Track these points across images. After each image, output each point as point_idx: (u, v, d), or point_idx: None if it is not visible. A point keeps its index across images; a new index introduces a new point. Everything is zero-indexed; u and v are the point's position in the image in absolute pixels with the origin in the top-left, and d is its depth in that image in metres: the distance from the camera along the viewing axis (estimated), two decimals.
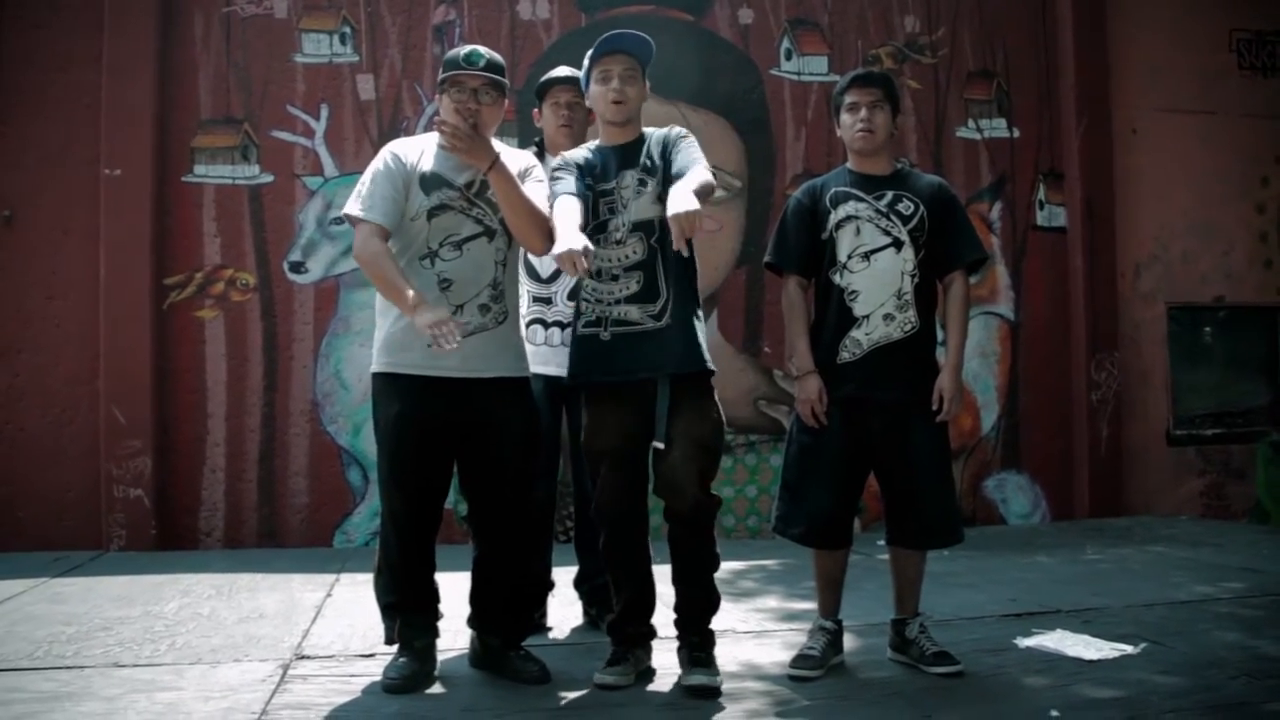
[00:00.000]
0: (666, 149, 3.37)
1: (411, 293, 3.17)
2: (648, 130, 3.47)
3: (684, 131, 3.45)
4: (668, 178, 3.29)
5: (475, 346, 3.30)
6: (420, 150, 3.41)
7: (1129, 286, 7.58)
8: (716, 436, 3.38)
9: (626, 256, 3.31)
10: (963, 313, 3.57)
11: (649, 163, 3.36)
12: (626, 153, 3.40)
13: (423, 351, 3.26)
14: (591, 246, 3.07)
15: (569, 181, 3.32)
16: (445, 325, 3.07)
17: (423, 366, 3.28)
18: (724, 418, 3.42)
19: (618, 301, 3.30)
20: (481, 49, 3.41)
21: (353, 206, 3.34)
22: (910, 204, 3.50)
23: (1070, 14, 7.46)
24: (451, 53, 3.43)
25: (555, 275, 3.93)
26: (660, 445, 3.25)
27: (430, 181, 3.34)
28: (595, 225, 3.33)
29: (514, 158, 3.50)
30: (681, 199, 3.03)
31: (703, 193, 3.15)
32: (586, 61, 3.42)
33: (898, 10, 7.28)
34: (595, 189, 3.37)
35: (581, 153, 3.47)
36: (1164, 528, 6.78)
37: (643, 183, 3.33)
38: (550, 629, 4.10)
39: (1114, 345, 7.43)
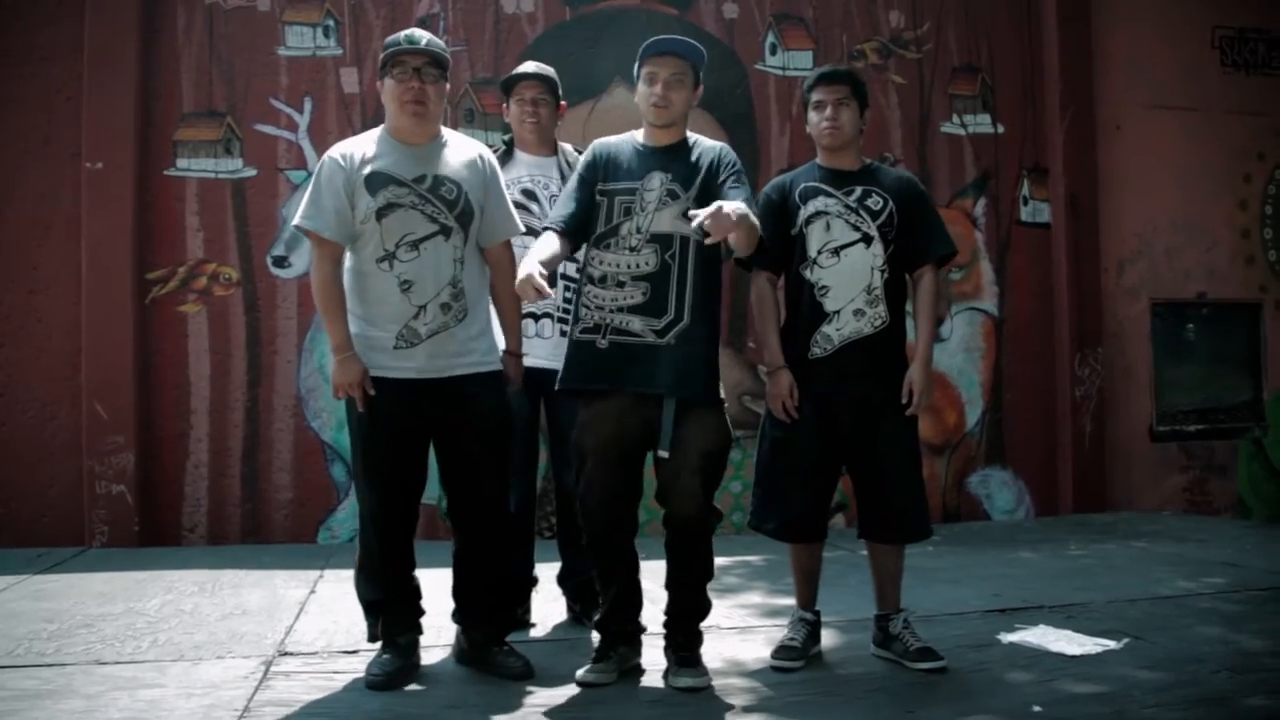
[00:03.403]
0: (715, 170, 3.31)
1: (339, 341, 3.28)
2: (694, 136, 3.42)
3: (736, 160, 3.38)
4: (705, 197, 3.23)
5: (438, 346, 3.30)
6: (364, 150, 3.34)
7: (1113, 282, 7.61)
8: (722, 447, 3.36)
9: (637, 265, 3.26)
10: (931, 307, 3.60)
11: (686, 172, 3.29)
12: (662, 155, 3.34)
13: (386, 352, 3.28)
14: (543, 271, 3.05)
15: (565, 206, 3.31)
16: (355, 390, 3.25)
17: (387, 368, 3.28)
18: (731, 431, 3.39)
19: (619, 310, 3.26)
20: (420, 31, 3.41)
21: (300, 218, 3.31)
22: (880, 199, 3.52)
23: (1054, 10, 7.49)
24: (390, 37, 3.42)
25: None
26: (664, 454, 3.23)
27: (375, 181, 3.28)
28: (607, 228, 3.28)
29: (464, 147, 3.47)
30: (736, 209, 3.05)
31: (751, 231, 3.19)
32: (638, 59, 3.35)
33: (882, 5, 7.28)
34: (611, 189, 3.32)
35: (615, 145, 3.41)
36: (1147, 523, 6.82)
37: (673, 194, 3.27)
38: (534, 625, 4.09)
39: (1098, 341, 7.46)
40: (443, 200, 3.32)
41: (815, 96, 3.59)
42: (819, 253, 3.51)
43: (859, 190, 3.53)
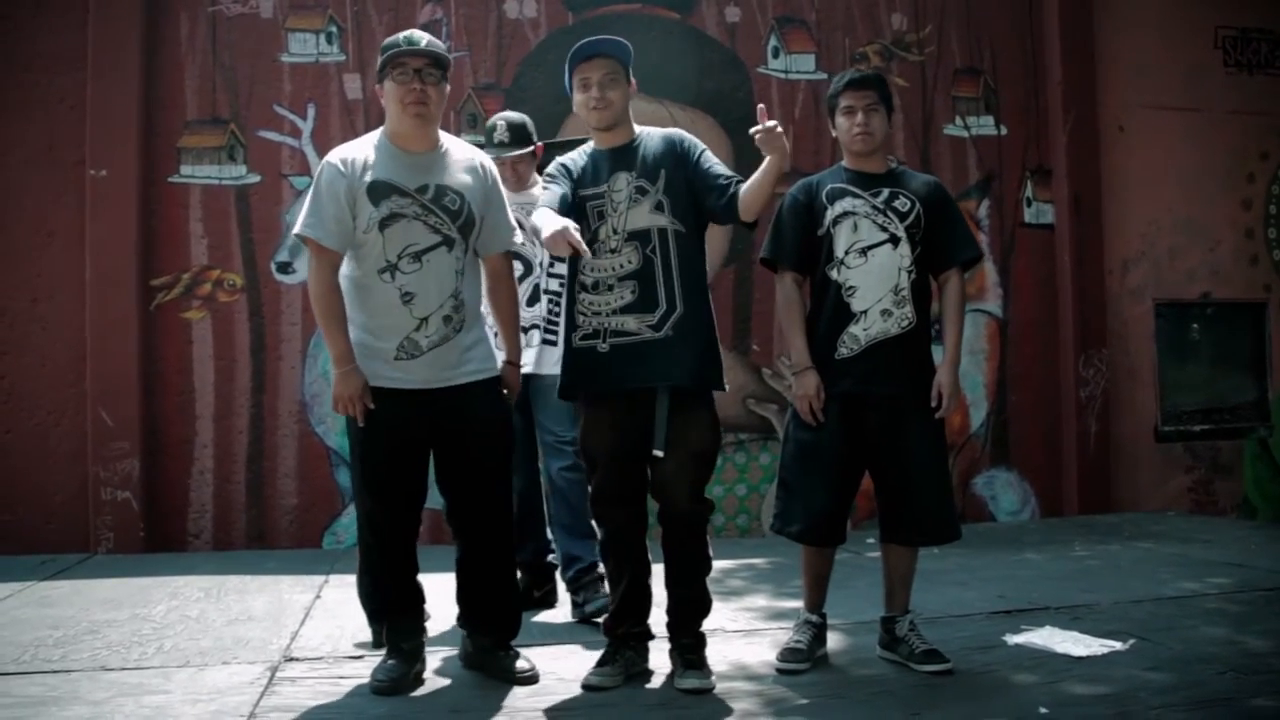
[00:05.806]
0: (681, 155, 3.34)
1: (339, 353, 3.24)
2: (641, 130, 3.43)
3: (694, 139, 3.43)
4: (673, 186, 3.30)
5: (439, 357, 3.30)
6: (365, 156, 3.29)
7: (1117, 283, 7.60)
8: (712, 445, 3.39)
9: (621, 266, 3.28)
10: (959, 310, 3.60)
11: (649, 165, 3.32)
12: (619, 155, 3.36)
13: (388, 363, 3.27)
14: (574, 225, 3.05)
15: (553, 191, 3.28)
16: (355, 405, 3.22)
17: (388, 379, 3.27)
18: (720, 424, 3.43)
19: (614, 312, 3.28)
20: (419, 32, 3.37)
21: (301, 226, 3.27)
22: (907, 201, 3.52)
23: (1056, 11, 7.47)
24: (389, 39, 3.37)
25: (522, 278, 4.08)
26: (659, 453, 3.25)
27: (378, 190, 3.24)
28: (585, 236, 3.25)
29: (465, 155, 3.45)
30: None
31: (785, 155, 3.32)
32: (566, 69, 3.38)
33: (885, 8, 7.28)
34: (583, 195, 3.33)
35: (575, 155, 3.44)
36: (1152, 524, 6.80)
37: (641, 190, 3.30)
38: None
39: (1102, 342, 7.45)
40: (446, 210, 3.29)
41: (844, 103, 3.58)
42: (846, 253, 3.51)
43: (886, 192, 3.54)
